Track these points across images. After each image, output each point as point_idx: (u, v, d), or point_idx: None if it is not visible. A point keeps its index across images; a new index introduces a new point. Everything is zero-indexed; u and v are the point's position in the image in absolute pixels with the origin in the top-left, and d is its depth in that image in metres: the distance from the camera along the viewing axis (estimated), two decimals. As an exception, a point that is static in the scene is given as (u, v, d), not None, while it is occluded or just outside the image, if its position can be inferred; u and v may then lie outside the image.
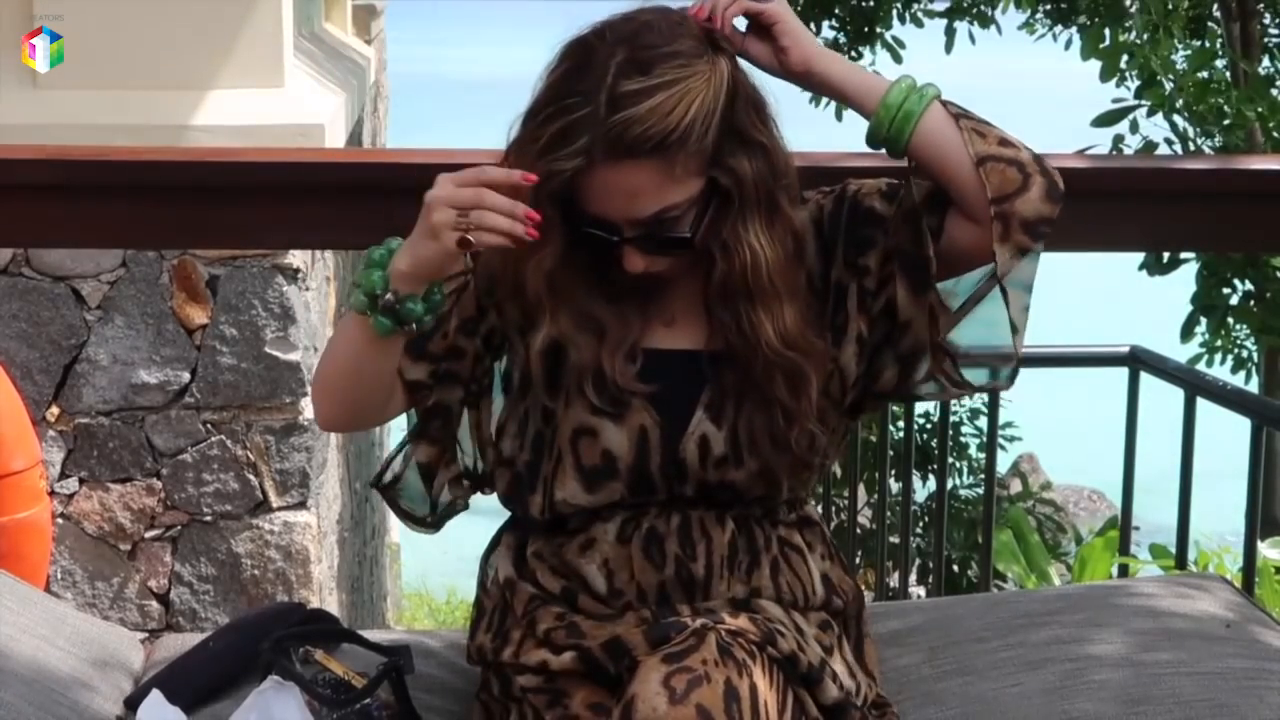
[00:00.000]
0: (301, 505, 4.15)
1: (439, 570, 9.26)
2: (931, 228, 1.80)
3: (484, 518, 2.03)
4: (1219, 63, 7.79)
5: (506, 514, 1.92)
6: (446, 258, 1.68)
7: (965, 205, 1.78)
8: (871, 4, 8.55)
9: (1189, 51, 7.44)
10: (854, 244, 1.83)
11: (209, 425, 4.09)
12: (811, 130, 1.88)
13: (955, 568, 6.90)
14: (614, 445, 1.78)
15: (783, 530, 1.85)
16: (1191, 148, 6.92)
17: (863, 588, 2.01)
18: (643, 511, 1.81)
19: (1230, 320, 7.41)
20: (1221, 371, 7.51)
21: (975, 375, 1.87)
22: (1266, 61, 8.30)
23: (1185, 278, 7.26)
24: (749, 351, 1.77)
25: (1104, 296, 13.85)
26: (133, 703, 2.00)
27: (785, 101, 1.85)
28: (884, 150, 1.83)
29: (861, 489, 6.32)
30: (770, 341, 1.75)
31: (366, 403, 1.83)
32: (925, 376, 1.86)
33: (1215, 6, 8.25)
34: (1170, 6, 7.46)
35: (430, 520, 1.95)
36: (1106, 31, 7.47)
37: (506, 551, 1.89)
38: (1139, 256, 7.02)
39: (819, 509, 2.00)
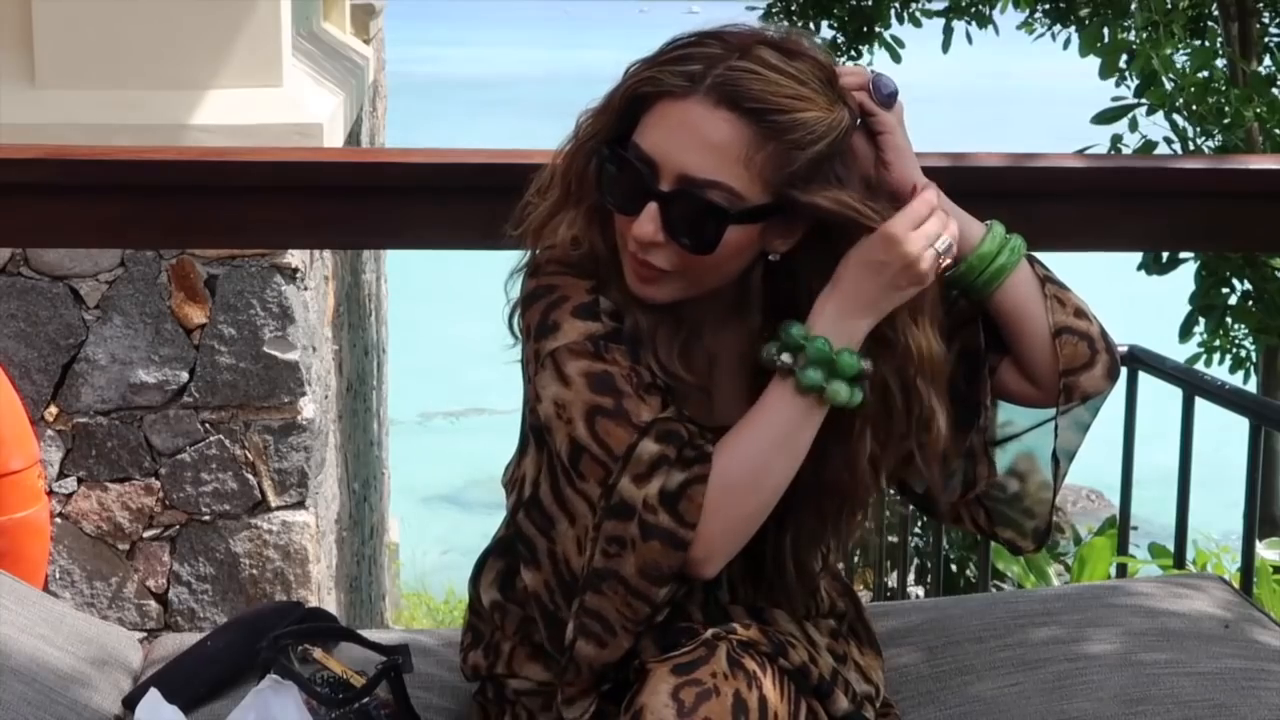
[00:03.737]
0: (300, 505, 4.15)
1: (437, 570, 9.26)
2: (990, 365, 1.79)
3: (482, 515, 2.02)
4: (1218, 62, 7.79)
5: (497, 511, 1.90)
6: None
7: (1029, 367, 1.77)
8: (870, 4, 8.55)
9: (1189, 51, 7.44)
10: None
11: (207, 425, 4.09)
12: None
13: (954, 567, 6.89)
14: None
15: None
16: (1191, 147, 6.92)
17: (861, 587, 2.02)
18: None
19: (1229, 320, 7.41)
20: (1220, 371, 7.51)
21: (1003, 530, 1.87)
22: (1266, 61, 8.30)
23: (1184, 277, 7.26)
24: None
25: (1103, 296, 13.83)
26: (131, 702, 2.00)
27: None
28: (960, 294, 1.78)
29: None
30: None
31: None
32: (951, 515, 1.86)
33: (1214, 6, 8.26)
34: (1170, 5, 7.46)
35: None
36: (1106, 29, 7.47)
37: (494, 577, 1.85)
38: (1138, 256, 7.02)
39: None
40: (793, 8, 8.72)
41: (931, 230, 1.64)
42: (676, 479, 1.59)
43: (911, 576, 6.81)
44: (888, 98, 1.70)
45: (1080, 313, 1.78)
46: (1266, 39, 8.46)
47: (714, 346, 1.73)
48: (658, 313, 1.69)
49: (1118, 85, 7.47)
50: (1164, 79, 6.86)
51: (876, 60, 8.59)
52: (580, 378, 1.64)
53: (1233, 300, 7.29)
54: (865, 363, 1.64)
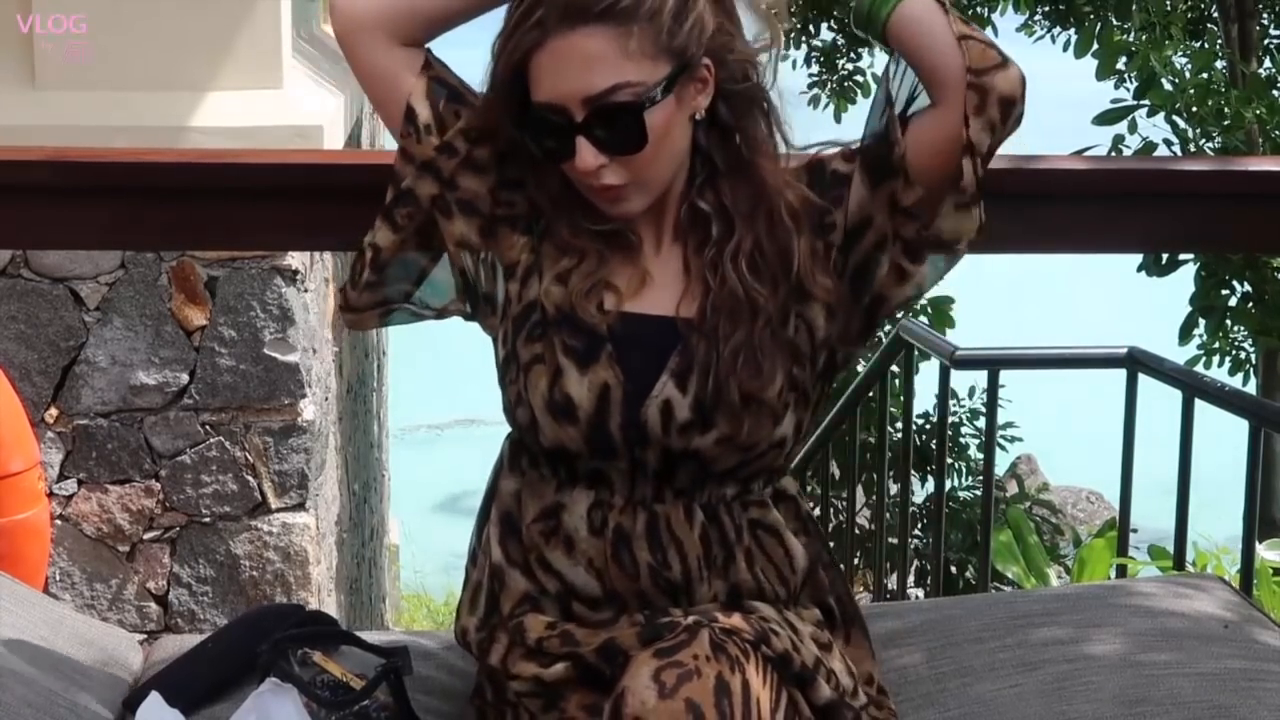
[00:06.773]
0: (300, 507, 4.15)
1: (437, 571, 9.26)
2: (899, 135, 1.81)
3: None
4: (1218, 64, 7.80)
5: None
6: None
7: (940, 84, 1.79)
8: (870, 5, 8.55)
9: (1189, 53, 7.45)
10: (824, 208, 1.83)
11: (208, 427, 4.09)
12: (810, 134, 1.87)
13: (954, 569, 6.90)
14: (574, 392, 1.75)
15: (754, 511, 1.82)
16: (1192, 148, 6.93)
17: (861, 588, 2.01)
18: (607, 501, 1.78)
19: (1228, 321, 7.42)
20: (1219, 373, 7.52)
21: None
22: (1266, 62, 8.31)
23: (1184, 279, 7.27)
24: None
25: (1102, 297, 13.85)
26: (131, 704, 2.00)
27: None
28: (867, 34, 1.86)
29: (860, 490, 6.33)
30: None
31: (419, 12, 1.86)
32: (891, 271, 1.84)
33: (1214, 8, 8.27)
34: (1169, 7, 7.47)
35: (357, 305, 1.93)
36: (1099, 31, 7.48)
37: (495, 529, 1.85)
38: (1138, 258, 7.03)
39: (815, 509, 1.99)
40: (791, 8, 8.71)
41: None
42: None
43: (911, 578, 6.81)
44: None
45: (986, 38, 1.80)
46: (1266, 41, 8.47)
47: (660, 244, 1.83)
48: (619, 238, 1.81)
49: (1117, 87, 7.48)
50: (1164, 81, 6.87)
51: (878, 62, 8.60)
52: None
53: (1233, 302, 7.30)
54: None
